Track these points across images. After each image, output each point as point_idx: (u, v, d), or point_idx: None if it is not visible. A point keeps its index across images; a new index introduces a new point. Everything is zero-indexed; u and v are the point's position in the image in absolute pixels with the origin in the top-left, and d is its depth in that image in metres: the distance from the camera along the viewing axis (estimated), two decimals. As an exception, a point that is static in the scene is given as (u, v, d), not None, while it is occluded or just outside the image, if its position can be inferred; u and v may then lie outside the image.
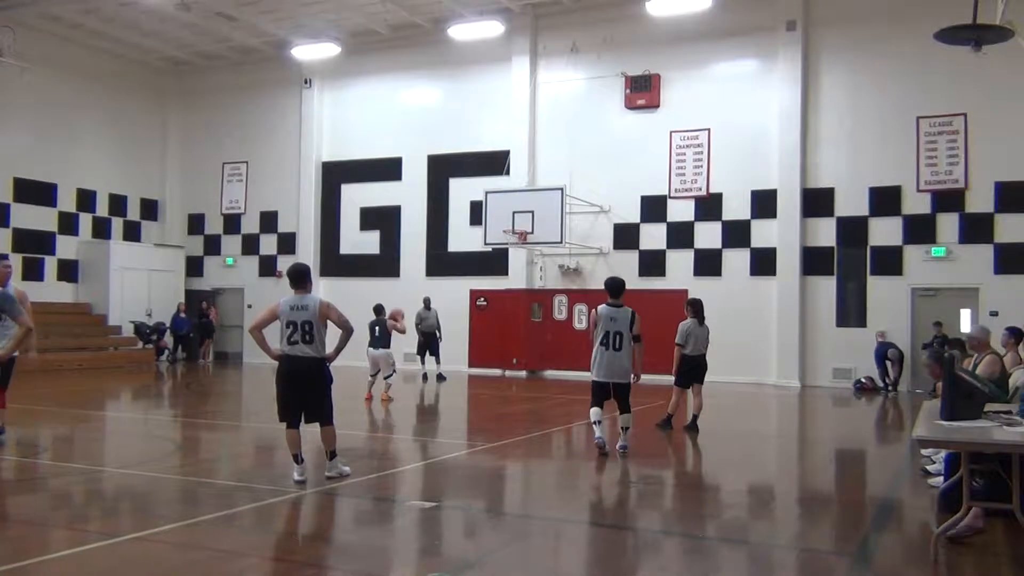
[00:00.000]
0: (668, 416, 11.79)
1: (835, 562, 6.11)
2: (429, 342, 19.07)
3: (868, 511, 7.78)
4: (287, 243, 24.93)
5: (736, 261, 19.85)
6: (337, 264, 24.37)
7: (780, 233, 19.43)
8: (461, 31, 21.15)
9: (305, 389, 7.82)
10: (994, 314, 16.78)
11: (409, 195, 23.36)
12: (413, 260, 23.21)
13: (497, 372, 21.65)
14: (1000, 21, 9.77)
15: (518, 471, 9.65)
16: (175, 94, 26.56)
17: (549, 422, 13.34)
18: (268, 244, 25.37)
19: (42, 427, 11.81)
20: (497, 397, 17.43)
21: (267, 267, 25.16)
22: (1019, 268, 17.38)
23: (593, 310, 9.97)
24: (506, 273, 21.95)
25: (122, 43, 24.28)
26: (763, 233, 19.62)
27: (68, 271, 24.01)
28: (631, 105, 20.85)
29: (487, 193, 20.28)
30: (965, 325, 17.05)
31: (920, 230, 18.35)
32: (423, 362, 19.28)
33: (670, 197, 20.45)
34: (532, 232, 19.50)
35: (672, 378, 11.98)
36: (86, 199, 24.41)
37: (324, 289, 23.07)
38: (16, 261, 21.23)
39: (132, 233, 25.68)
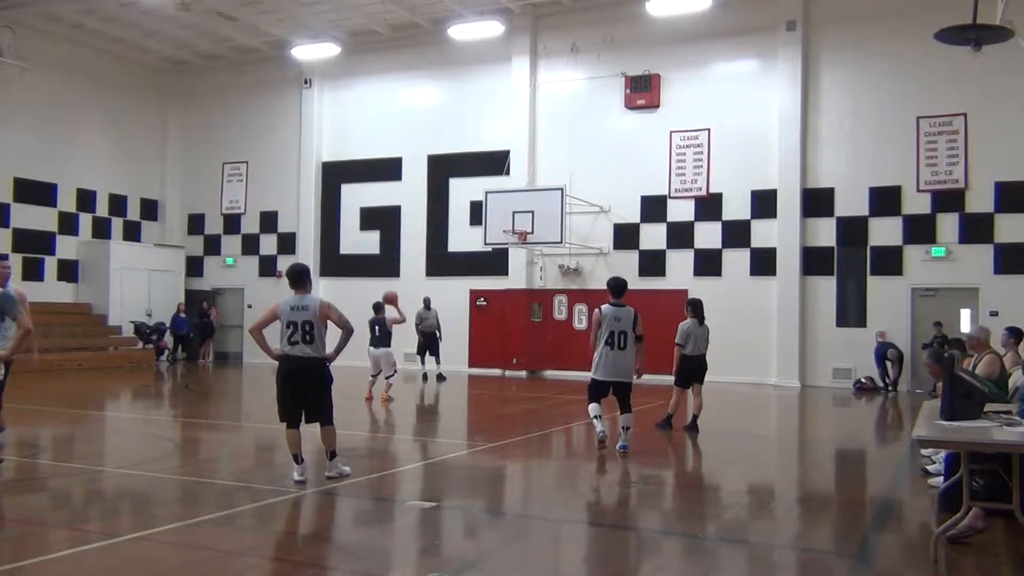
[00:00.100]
0: (668, 416, 11.79)
1: (835, 562, 6.11)
2: (429, 342, 19.06)
3: (868, 511, 7.79)
4: (287, 243, 24.93)
5: (736, 261, 19.85)
6: (337, 264, 24.37)
7: (780, 233, 19.43)
8: (461, 31, 21.16)
9: (305, 389, 7.83)
10: (994, 314, 16.79)
11: (409, 195, 23.35)
12: (413, 260, 23.20)
13: (497, 372, 21.64)
14: (1000, 21, 9.76)
15: (518, 471, 9.64)
16: (175, 94, 26.54)
17: (549, 422, 13.33)
18: (268, 244, 25.37)
19: (42, 427, 11.81)
20: (497, 397, 17.42)
21: (267, 267, 25.16)
22: (1019, 268, 17.38)
23: (595, 310, 9.95)
24: (506, 273, 21.94)
25: (122, 43, 24.27)
26: (763, 233, 19.62)
27: (68, 271, 24.00)
28: (631, 105, 20.85)
29: (487, 193, 20.27)
30: (965, 325, 17.04)
31: (920, 230, 18.35)
32: (423, 362, 19.27)
33: (670, 197, 20.45)
34: (532, 232, 19.49)
35: (672, 378, 11.99)
36: (86, 199, 24.40)
37: (324, 289, 23.07)
38: (16, 261, 21.29)
39: (132, 233, 25.67)
